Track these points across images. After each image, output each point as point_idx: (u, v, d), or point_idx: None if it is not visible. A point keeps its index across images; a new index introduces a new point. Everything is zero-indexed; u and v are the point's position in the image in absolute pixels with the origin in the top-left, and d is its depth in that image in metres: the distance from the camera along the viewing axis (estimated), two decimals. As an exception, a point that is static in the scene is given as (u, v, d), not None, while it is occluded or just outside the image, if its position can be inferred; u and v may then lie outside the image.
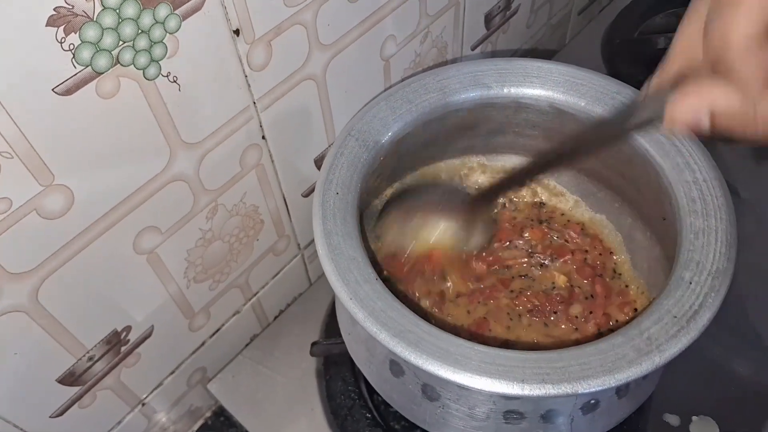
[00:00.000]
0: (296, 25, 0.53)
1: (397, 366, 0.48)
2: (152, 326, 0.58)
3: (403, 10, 0.63)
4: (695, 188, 0.50)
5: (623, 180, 0.60)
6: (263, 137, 0.57)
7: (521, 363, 0.41)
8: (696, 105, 0.37)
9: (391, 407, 0.57)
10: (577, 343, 0.46)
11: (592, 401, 0.46)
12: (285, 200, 0.65)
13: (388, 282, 0.60)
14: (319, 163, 0.66)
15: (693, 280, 0.45)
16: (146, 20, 0.42)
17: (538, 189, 0.68)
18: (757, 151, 0.82)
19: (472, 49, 0.81)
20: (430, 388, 0.47)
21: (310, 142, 0.64)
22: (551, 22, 0.98)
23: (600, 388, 0.40)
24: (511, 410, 0.45)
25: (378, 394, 0.61)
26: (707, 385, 0.64)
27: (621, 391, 0.48)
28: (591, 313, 0.58)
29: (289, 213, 0.67)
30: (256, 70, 0.52)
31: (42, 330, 0.48)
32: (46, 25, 0.37)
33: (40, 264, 0.45)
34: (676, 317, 0.43)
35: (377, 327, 0.43)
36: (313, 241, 0.71)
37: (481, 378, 0.40)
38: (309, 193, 0.67)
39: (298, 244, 0.71)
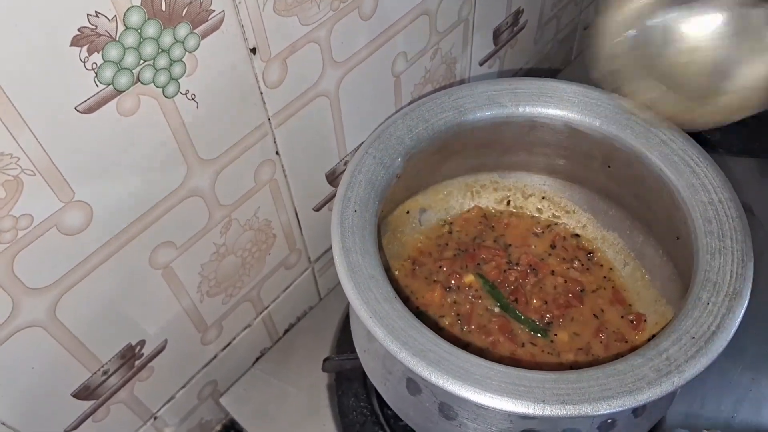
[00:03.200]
0: (311, 43, 0.53)
1: (414, 384, 0.48)
2: (165, 340, 0.59)
3: (413, 27, 0.64)
4: (711, 209, 0.50)
5: (635, 199, 0.60)
6: (277, 153, 0.58)
7: (541, 383, 0.41)
8: None
9: (403, 422, 0.57)
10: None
11: (609, 420, 0.46)
12: (297, 214, 0.65)
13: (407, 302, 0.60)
14: (330, 177, 0.66)
15: (710, 301, 0.45)
16: (166, 39, 0.42)
17: (549, 206, 0.68)
18: None
19: (480, 65, 0.81)
20: (448, 407, 0.47)
21: (322, 157, 0.64)
22: (558, 38, 0.98)
23: (620, 409, 0.40)
24: (529, 429, 0.45)
25: (390, 410, 0.61)
26: (718, 400, 0.64)
27: (638, 410, 0.48)
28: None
29: (300, 227, 0.67)
30: (272, 87, 0.53)
31: (59, 345, 0.49)
32: (71, 45, 0.38)
33: (59, 279, 0.46)
34: (694, 338, 0.43)
35: (398, 346, 0.43)
36: (323, 254, 0.72)
37: (502, 398, 0.41)
38: (320, 207, 0.68)
39: (309, 258, 0.72)
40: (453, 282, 0.63)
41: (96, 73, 0.40)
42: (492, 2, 0.76)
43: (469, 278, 0.63)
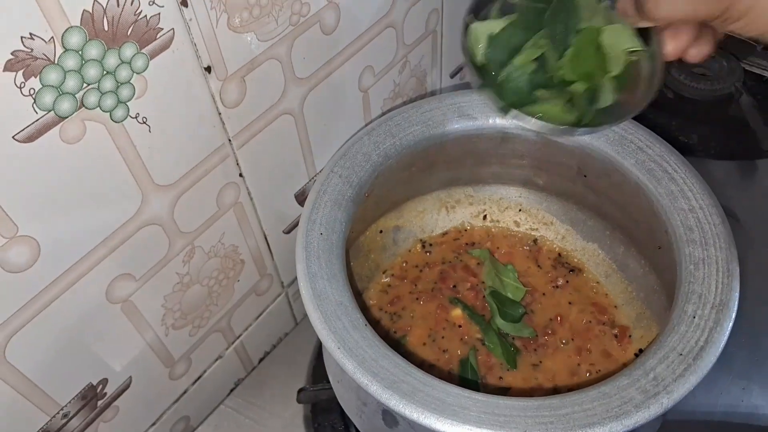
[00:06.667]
0: (270, 60, 0.52)
1: (390, 416, 0.46)
2: (130, 377, 0.56)
3: (379, 40, 0.62)
4: (692, 216, 0.48)
5: (614, 208, 0.59)
6: (240, 175, 0.56)
7: (522, 412, 0.39)
8: None
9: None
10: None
11: (597, 446, 0.44)
12: (266, 238, 0.63)
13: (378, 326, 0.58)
14: (299, 198, 0.64)
15: (696, 314, 0.43)
16: (111, 61, 0.40)
17: (527, 218, 0.66)
18: (747, 169, 0.81)
19: (452, 77, 0.80)
20: (427, 439, 0.45)
21: (290, 178, 0.62)
22: (530, 46, 0.97)
23: (607, 436, 0.38)
24: (512, 459, 0.43)
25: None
26: (709, 411, 0.63)
27: (626, 433, 0.46)
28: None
29: (270, 251, 0.65)
30: (231, 106, 0.51)
31: (11, 389, 0.46)
32: (4, 70, 0.35)
33: (6, 320, 0.43)
34: (681, 355, 0.41)
35: (368, 378, 0.41)
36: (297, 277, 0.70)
37: (481, 430, 0.38)
38: (290, 229, 0.66)
39: (282, 282, 0.69)
40: (438, 313, 0.62)
41: (34, 99, 0.37)
42: (460, 13, 0.74)
43: (456, 312, 0.62)
